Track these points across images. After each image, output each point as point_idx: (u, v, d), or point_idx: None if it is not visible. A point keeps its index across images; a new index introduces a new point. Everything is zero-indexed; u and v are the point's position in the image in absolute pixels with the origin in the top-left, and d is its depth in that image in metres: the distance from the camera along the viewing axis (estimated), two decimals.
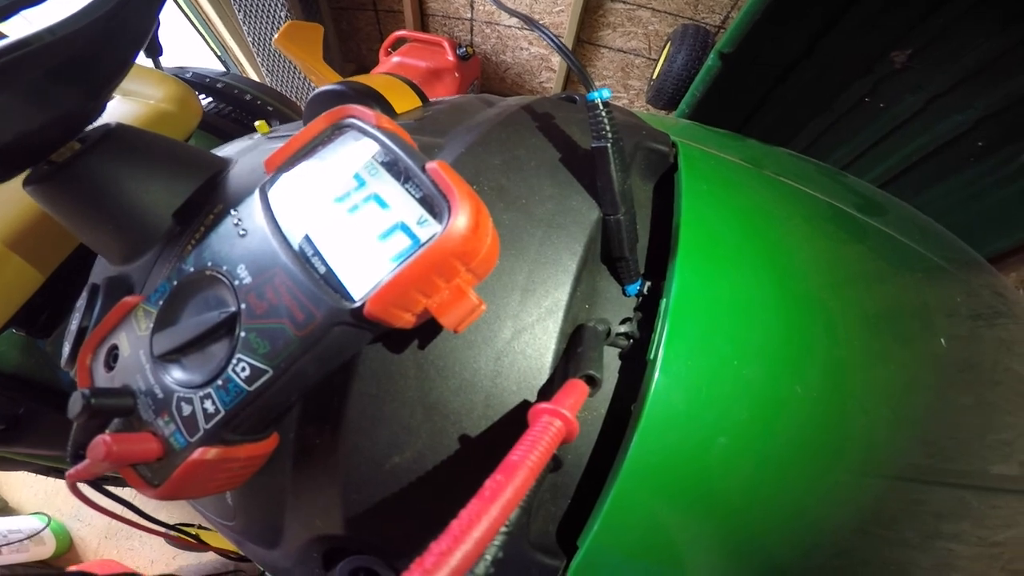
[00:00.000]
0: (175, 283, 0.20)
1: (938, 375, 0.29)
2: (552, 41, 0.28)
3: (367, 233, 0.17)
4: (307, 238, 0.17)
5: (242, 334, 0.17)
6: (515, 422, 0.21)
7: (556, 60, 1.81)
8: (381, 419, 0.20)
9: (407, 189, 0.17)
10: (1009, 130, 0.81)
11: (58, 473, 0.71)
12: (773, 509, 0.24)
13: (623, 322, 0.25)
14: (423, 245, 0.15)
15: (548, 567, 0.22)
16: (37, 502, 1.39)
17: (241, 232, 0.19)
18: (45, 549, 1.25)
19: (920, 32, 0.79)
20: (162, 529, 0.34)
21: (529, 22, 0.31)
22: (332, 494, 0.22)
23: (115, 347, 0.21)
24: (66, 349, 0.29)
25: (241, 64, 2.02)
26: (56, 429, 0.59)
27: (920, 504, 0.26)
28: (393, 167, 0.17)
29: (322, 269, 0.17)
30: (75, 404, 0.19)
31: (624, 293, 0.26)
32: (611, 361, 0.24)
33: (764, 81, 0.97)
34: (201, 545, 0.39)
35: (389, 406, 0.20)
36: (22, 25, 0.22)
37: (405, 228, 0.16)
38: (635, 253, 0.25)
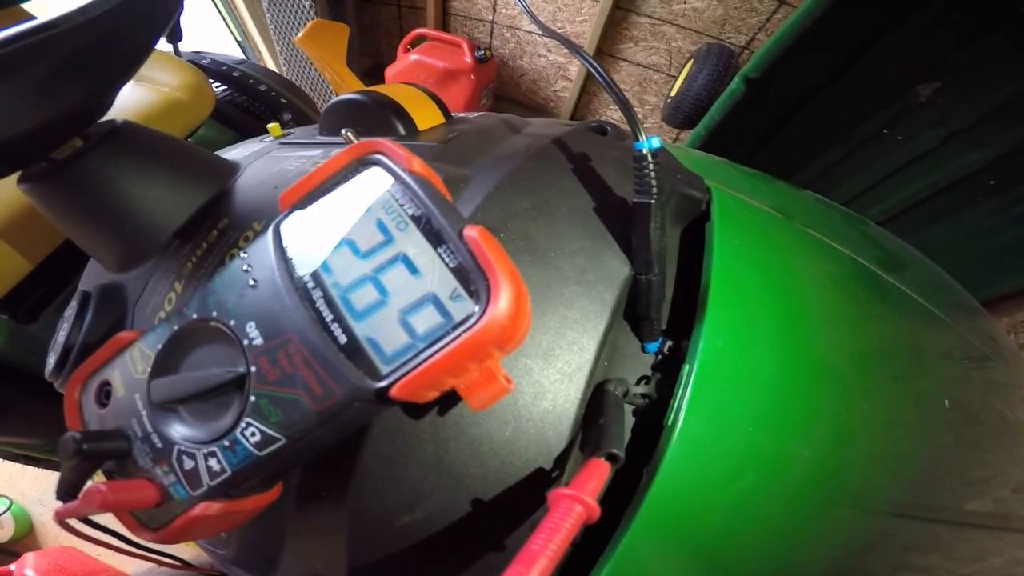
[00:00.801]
0: (175, 328, 0.19)
1: (934, 425, 0.30)
2: (601, 77, 0.26)
3: (394, 302, 0.15)
4: (325, 299, 0.16)
5: (252, 398, 0.16)
6: (531, 490, 0.20)
7: (573, 70, 1.80)
8: (393, 479, 0.20)
9: (440, 254, 0.15)
10: (1022, 171, 0.79)
11: (27, 459, 0.69)
12: (766, 557, 0.25)
13: (640, 380, 0.24)
14: (458, 328, 0.14)
15: None
16: (0, 485, 1.33)
17: (251, 282, 0.17)
18: (3, 533, 1.22)
19: (950, 65, 0.77)
20: (155, 556, 0.33)
21: (572, 48, 0.29)
22: (337, 544, 0.21)
23: (107, 383, 0.20)
24: (51, 360, 0.28)
25: (260, 52, 2.01)
26: (34, 417, 0.57)
27: (891, 536, 0.27)
28: (425, 225, 0.16)
29: (343, 339, 0.15)
30: (66, 448, 0.18)
31: (643, 350, 0.25)
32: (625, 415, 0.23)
33: (785, 108, 0.96)
34: (189, 568, 0.39)
35: (402, 466, 0.20)
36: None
37: (436, 302, 0.15)
38: (660, 312, 0.24)
